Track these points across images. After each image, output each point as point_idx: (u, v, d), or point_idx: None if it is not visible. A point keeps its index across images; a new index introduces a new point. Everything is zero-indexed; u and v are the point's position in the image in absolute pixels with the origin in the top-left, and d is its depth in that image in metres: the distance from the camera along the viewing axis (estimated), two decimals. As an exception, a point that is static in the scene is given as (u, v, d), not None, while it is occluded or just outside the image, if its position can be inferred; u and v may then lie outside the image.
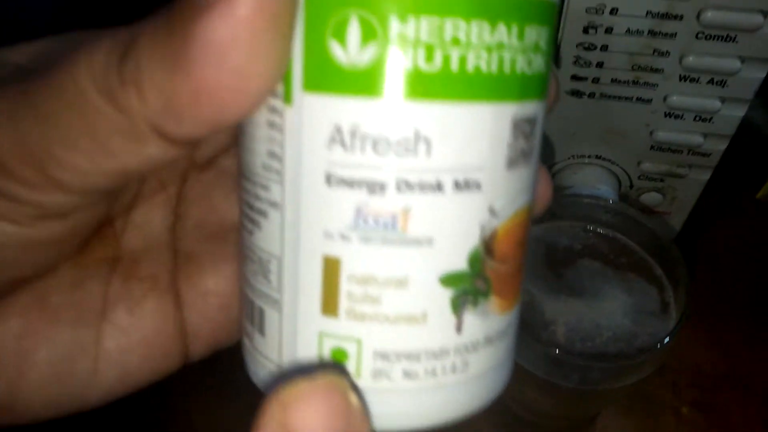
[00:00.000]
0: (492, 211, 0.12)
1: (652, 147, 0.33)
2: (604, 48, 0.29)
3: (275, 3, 0.10)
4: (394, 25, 0.11)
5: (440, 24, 0.11)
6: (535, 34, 0.12)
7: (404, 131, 0.11)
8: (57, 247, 0.14)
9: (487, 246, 0.12)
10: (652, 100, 0.30)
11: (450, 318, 0.12)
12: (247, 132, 0.13)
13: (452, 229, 0.12)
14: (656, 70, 0.29)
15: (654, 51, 0.28)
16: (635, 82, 0.30)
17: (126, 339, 0.15)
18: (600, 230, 0.28)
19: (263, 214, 0.13)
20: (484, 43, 0.11)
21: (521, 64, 0.12)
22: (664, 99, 0.30)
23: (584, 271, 0.27)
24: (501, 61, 0.11)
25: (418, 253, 0.12)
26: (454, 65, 0.11)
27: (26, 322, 0.14)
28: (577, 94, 0.31)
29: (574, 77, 0.30)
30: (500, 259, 0.13)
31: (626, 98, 0.31)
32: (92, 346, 0.15)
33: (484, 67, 0.11)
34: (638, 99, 0.31)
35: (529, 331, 0.25)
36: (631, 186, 0.35)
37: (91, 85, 0.10)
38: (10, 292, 0.14)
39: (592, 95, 0.31)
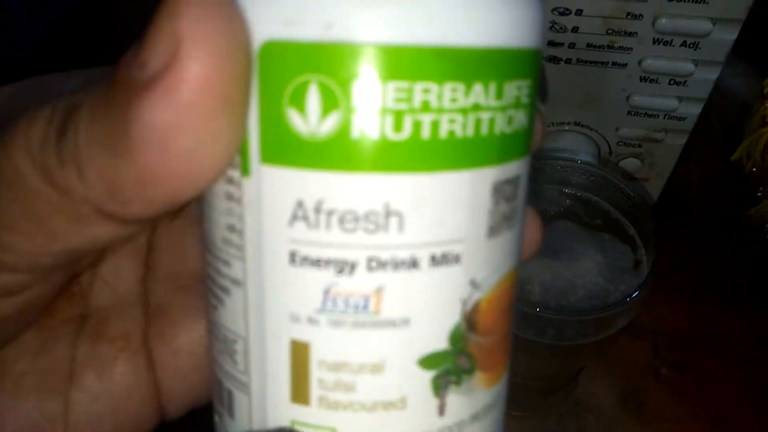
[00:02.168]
0: (474, 284, 0.11)
1: (629, 112, 0.33)
2: (579, 12, 0.29)
3: (224, 83, 0.09)
4: (358, 91, 0.09)
5: (409, 89, 0.10)
6: (516, 89, 0.11)
7: (373, 206, 0.10)
8: (13, 322, 0.13)
9: (470, 321, 0.11)
10: (627, 64, 0.31)
11: (432, 401, 0.11)
12: (207, 201, 0.12)
13: (430, 307, 0.11)
14: (630, 34, 0.29)
15: (627, 14, 0.29)
16: (610, 47, 0.30)
17: (96, 406, 0.14)
18: (576, 192, 0.29)
19: (226, 291, 0.12)
20: (459, 106, 0.10)
21: (501, 124, 0.11)
22: (639, 63, 0.30)
23: (560, 232, 0.28)
24: (478, 124, 0.10)
25: (394, 336, 0.11)
26: (426, 132, 0.10)
27: None
28: (554, 60, 0.32)
29: (551, 43, 0.31)
30: (485, 333, 0.12)
31: (602, 63, 0.31)
32: (60, 416, 0.14)
33: (459, 131, 0.10)
34: (614, 63, 0.31)
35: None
36: (610, 152, 0.36)
37: (28, 163, 0.10)
38: None
39: (569, 61, 0.31)
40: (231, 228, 0.11)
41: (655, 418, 0.34)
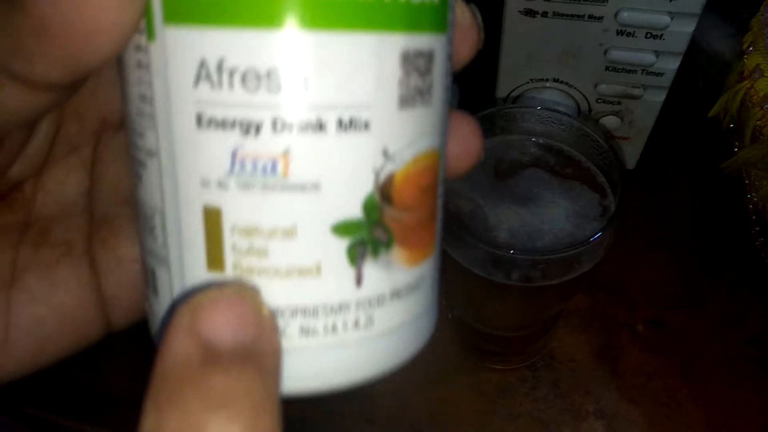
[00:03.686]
0: (386, 155, 0.11)
1: (607, 67, 0.33)
2: (554, -37, 0.29)
3: None
4: None
5: None
6: None
7: (274, 63, 0.10)
8: None
9: (385, 193, 0.11)
10: (603, 17, 0.31)
11: (347, 269, 0.11)
12: (121, 76, 0.12)
13: (341, 173, 0.11)
14: (605, -15, 0.29)
15: (601, -36, 0.29)
16: (586, -1, 0.30)
17: (38, 307, 0.14)
18: (548, 142, 0.29)
19: (143, 165, 0.12)
20: None
21: None
22: (615, 15, 0.30)
23: (530, 180, 0.28)
24: None
25: (305, 200, 0.11)
26: None
27: None
28: (530, 13, 0.32)
29: (527, -5, 0.31)
30: (402, 207, 0.12)
31: (578, 16, 0.31)
32: (1, 314, 0.14)
33: None
34: (590, 17, 0.31)
35: (471, 234, 0.26)
36: (590, 110, 0.36)
37: None
38: None
39: (545, 14, 0.31)
40: (142, 97, 0.11)
41: (628, 373, 0.34)
